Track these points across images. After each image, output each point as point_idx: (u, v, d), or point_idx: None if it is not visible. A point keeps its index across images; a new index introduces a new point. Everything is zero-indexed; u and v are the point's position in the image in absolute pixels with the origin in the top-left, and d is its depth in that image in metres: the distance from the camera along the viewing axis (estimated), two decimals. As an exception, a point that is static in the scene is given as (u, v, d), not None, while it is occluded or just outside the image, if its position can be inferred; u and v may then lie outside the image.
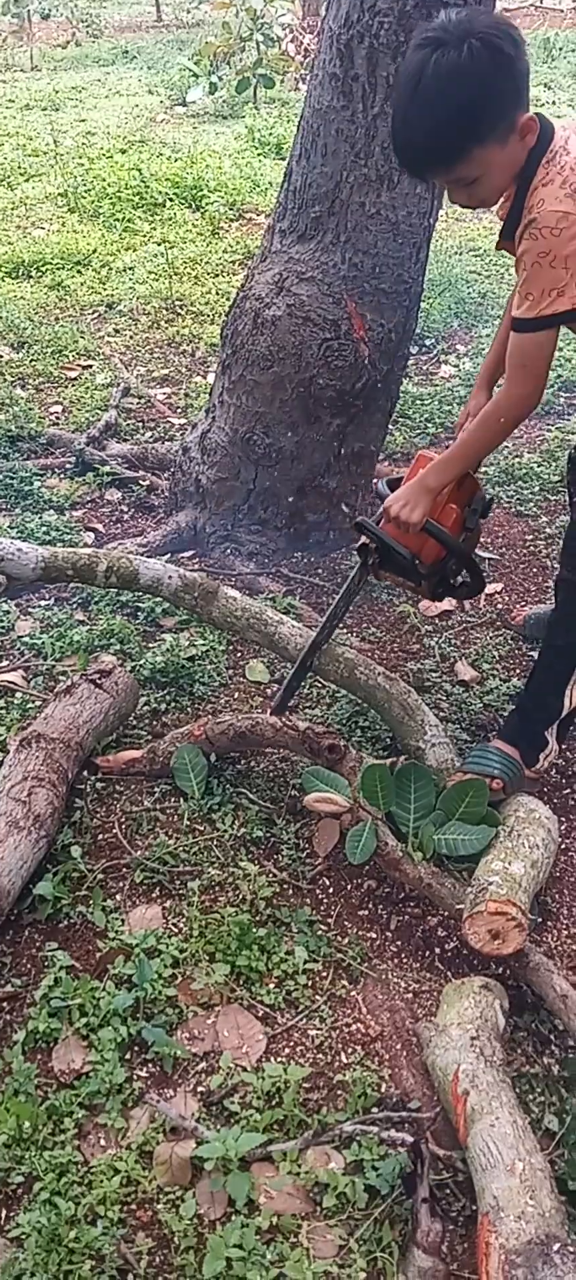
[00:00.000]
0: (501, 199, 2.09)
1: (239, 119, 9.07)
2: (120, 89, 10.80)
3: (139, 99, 10.24)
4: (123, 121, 9.18)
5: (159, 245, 6.08)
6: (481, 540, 3.34)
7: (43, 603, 3.13)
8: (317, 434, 3.30)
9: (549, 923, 2.16)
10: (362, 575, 2.50)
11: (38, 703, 2.64)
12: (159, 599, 2.91)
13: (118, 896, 2.16)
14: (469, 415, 2.49)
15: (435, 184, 2.47)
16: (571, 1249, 1.47)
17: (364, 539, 2.40)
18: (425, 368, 4.73)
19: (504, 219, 2.10)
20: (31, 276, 5.77)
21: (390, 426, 3.64)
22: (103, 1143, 1.74)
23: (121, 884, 2.19)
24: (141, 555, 3.07)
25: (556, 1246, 1.47)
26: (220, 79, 9.76)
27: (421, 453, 2.42)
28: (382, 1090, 1.83)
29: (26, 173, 7.64)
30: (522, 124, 1.95)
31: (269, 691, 2.79)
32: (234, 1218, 1.63)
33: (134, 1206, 1.66)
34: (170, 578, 2.70)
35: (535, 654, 2.58)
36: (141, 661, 2.80)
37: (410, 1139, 1.70)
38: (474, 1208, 1.63)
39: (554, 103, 9.03)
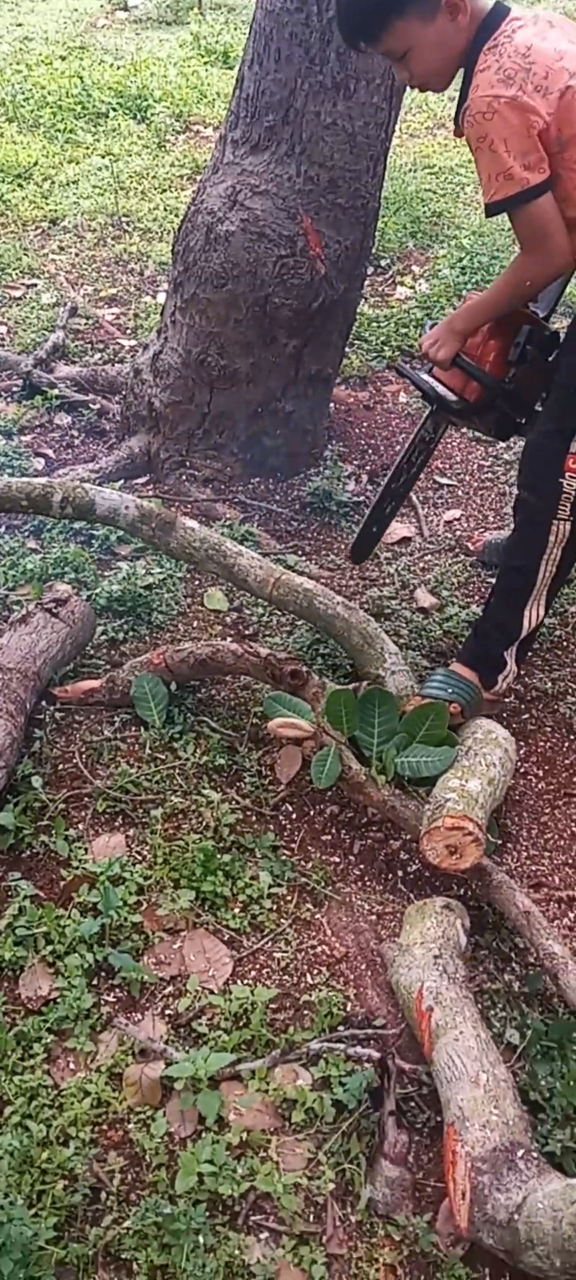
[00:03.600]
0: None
1: (183, 25, 8.74)
2: (58, -9, 10.30)
3: (78, 2, 9.78)
4: (61, 26, 8.78)
5: (103, 158, 5.87)
6: (439, 466, 3.35)
7: (-7, 530, 3.05)
8: (273, 355, 3.24)
9: (508, 845, 2.21)
10: (433, 421, 2.58)
11: (-8, 632, 2.58)
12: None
13: (80, 826, 2.14)
14: None
15: (389, 91, 2.46)
16: (535, 1155, 1.53)
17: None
18: (380, 289, 4.67)
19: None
20: (-30, 189, 5.53)
21: (346, 349, 3.60)
22: (72, 1066, 1.75)
23: (83, 813, 2.17)
24: (94, 482, 3.00)
25: (520, 1153, 1.52)
26: (164, -18, 9.37)
27: (469, 296, 2.47)
28: (348, 1009, 1.86)
29: (-39, 79, 7.28)
30: (447, 1, 2.03)
31: (228, 620, 2.77)
32: (204, 1135, 1.65)
33: (105, 1127, 1.67)
34: (127, 508, 2.64)
35: (494, 580, 2.59)
36: (97, 590, 2.76)
37: (376, 1054, 1.74)
38: (439, 1119, 1.68)
39: None
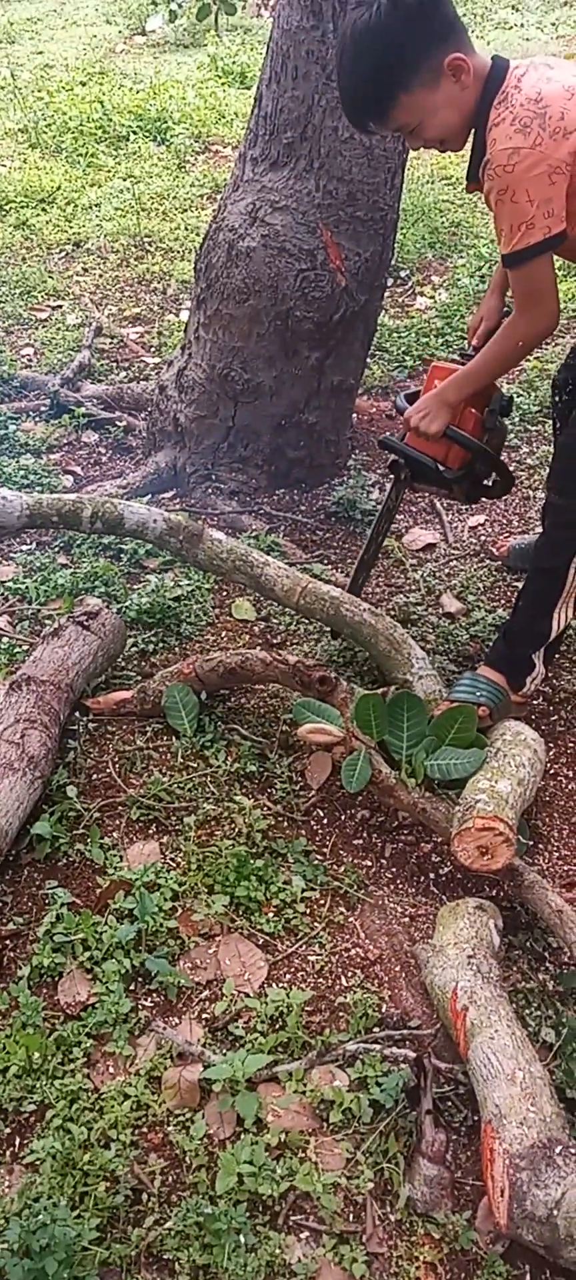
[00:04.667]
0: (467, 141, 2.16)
1: (200, 48, 8.84)
2: (77, 19, 10.46)
3: (97, 29, 9.93)
4: (81, 53, 8.92)
5: (124, 181, 5.95)
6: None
7: (24, 547, 3.10)
8: (296, 368, 3.27)
9: (540, 845, 2.21)
10: (398, 490, 2.60)
11: (25, 647, 2.63)
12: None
13: (115, 834, 2.17)
14: (482, 320, 2.54)
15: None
16: (573, 1151, 1.53)
17: (394, 456, 2.48)
18: (400, 299, 4.70)
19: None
20: (-5, 215, 5.63)
21: (367, 359, 3.62)
22: (111, 1070, 1.77)
23: (118, 821, 2.20)
24: (122, 497, 3.05)
25: (559, 1149, 1.52)
26: (180, 6, 9.48)
27: (436, 364, 2.50)
28: (383, 1010, 1.87)
29: (-16, 108, 7.41)
30: (450, 64, 2.04)
31: (256, 629, 2.80)
32: (243, 1136, 1.67)
33: (145, 1129, 1.69)
34: (155, 521, 2.68)
35: (520, 584, 2.60)
36: (127, 603, 2.79)
37: (412, 1055, 1.75)
38: (476, 1118, 1.68)
39: (521, 25, 8.90)
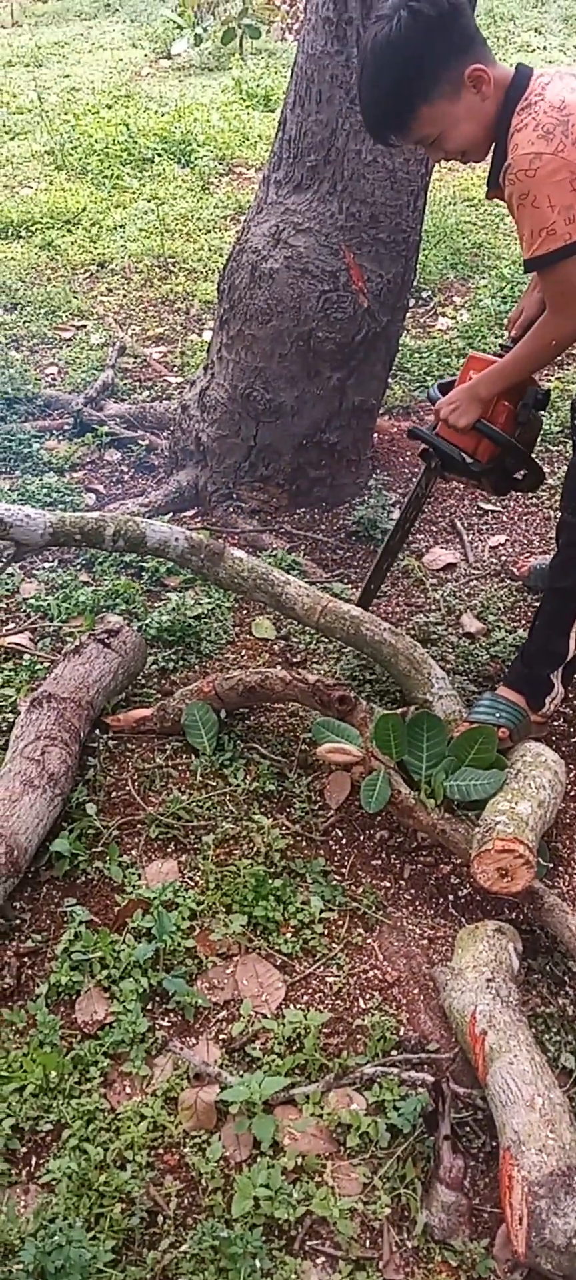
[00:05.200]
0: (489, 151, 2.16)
1: (225, 71, 8.93)
2: (103, 43, 10.60)
3: (123, 53, 10.05)
4: (107, 76, 9.02)
5: (149, 202, 6.01)
6: (483, 493, 3.36)
7: (46, 565, 3.13)
8: (318, 388, 3.28)
9: (560, 868, 2.19)
10: (428, 479, 2.60)
11: (46, 664, 2.64)
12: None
13: (133, 852, 2.17)
14: (522, 311, 2.54)
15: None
16: (592, 1178, 1.51)
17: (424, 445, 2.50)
18: (422, 320, 4.70)
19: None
20: (21, 237, 5.70)
21: (389, 380, 3.63)
22: (128, 1090, 1.77)
23: (136, 839, 2.20)
24: (144, 516, 3.06)
25: (578, 1176, 1.50)
26: (205, 30, 9.58)
27: (473, 355, 2.51)
28: (401, 1033, 1.86)
29: (11, 131, 7.51)
30: (470, 75, 2.05)
31: (276, 648, 2.80)
32: (260, 1159, 1.66)
33: (161, 1151, 1.69)
34: (177, 539, 2.69)
35: (539, 603, 2.59)
36: (147, 621, 2.80)
37: (430, 1079, 1.73)
38: (494, 1144, 1.67)
39: (544, 48, 8.91)
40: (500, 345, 2.62)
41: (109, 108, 7.77)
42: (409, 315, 4.41)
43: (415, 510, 2.72)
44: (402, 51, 2.03)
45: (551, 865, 2.18)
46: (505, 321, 4.01)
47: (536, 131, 2.00)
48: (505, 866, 1.96)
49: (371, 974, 1.97)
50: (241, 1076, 1.76)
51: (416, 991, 1.94)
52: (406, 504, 2.69)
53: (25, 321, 4.73)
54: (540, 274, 2.13)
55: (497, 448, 2.40)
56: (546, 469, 3.51)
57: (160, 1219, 1.60)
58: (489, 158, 2.17)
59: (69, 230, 5.73)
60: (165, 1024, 1.88)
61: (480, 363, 2.43)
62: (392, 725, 2.19)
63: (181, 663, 2.72)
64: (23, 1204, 1.62)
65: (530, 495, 3.44)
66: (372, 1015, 1.88)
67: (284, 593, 2.63)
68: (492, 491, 2.58)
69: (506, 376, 2.34)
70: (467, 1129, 1.73)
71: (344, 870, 2.18)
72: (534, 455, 2.49)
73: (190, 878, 2.12)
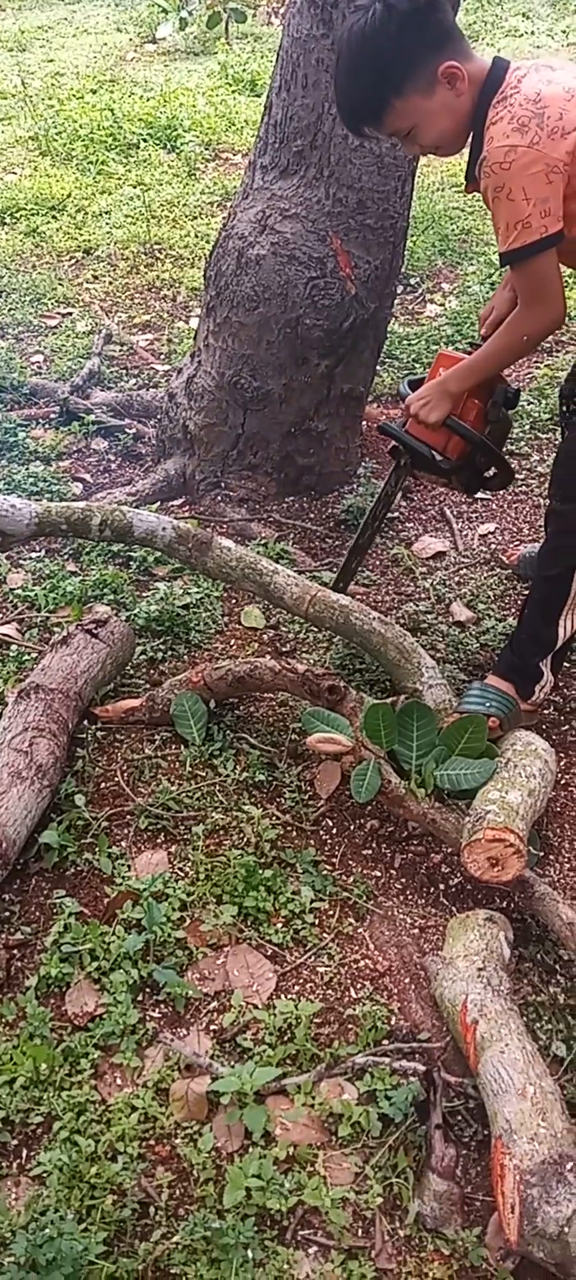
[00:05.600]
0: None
1: (211, 55, 8.87)
2: (88, 27, 10.50)
3: (107, 37, 9.97)
4: (92, 61, 8.95)
5: (135, 188, 5.96)
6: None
7: (33, 555, 3.10)
8: (306, 376, 3.27)
9: (551, 857, 2.20)
10: (397, 477, 2.60)
11: (34, 654, 2.62)
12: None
13: (123, 843, 2.16)
14: (493, 309, 2.53)
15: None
16: (584, 1166, 1.51)
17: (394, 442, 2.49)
18: (411, 307, 4.69)
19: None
20: (5, 223, 5.65)
21: (377, 367, 3.62)
22: (119, 1082, 1.76)
23: (126, 830, 2.19)
24: (131, 505, 3.04)
25: (570, 1165, 1.50)
26: (190, 14, 9.50)
27: (442, 352, 2.50)
28: (392, 1023, 1.86)
29: (-5, 116, 7.44)
30: (443, 72, 2.05)
31: (265, 637, 2.79)
32: (251, 1150, 1.66)
33: (152, 1142, 1.68)
34: (164, 529, 2.68)
35: (528, 591, 2.59)
36: (136, 611, 2.79)
37: (422, 1068, 1.73)
38: (486, 1132, 1.67)
39: (532, 32, 8.89)
40: (469, 344, 2.61)
41: (93, 92, 7.70)
42: (397, 302, 4.39)
43: (384, 508, 2.71)
44: (375, 45, 2.03)
45: (542, 854, 2.18)
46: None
47: (511, 124, 1.99)
48: (496, 855, 1.95)
49: (362, 964, 1.97)
50: (232, 1067, 1.75)
51: (407, 981, 1.94)
52: (375, 502, 2.69)
53: (10, 309, 4.69)
54: (513, 268, 2.12)
55: (468, 445, 2.40)
56: (535, 456, 3.52)
57: (152, 1210, 1.60)
58: (466, 151, 2.16)
59: (54, 217, 5.69)
60: (156, 1015, 1.87)
61: (449, 360, 2.42)
62: (383, 715, 2.18)
63: (170, 653, 2.70)
64: (14, 1196, 1.61)
65: (518, 484, 3.44)
66: (364, 1005, 1.88)
67: (273, 582, 2.61)
68: (462, 490, 2.58)
69: (477, 372, 2.33)
70: (459, 1118, 1.73)
71: (334, 860, 2.17)
72: (503, 453, 2.49)
73: (180, 868, 2.12)
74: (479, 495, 3.16)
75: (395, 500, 2.75)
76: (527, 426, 3.69)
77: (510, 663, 2.44)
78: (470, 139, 2.13)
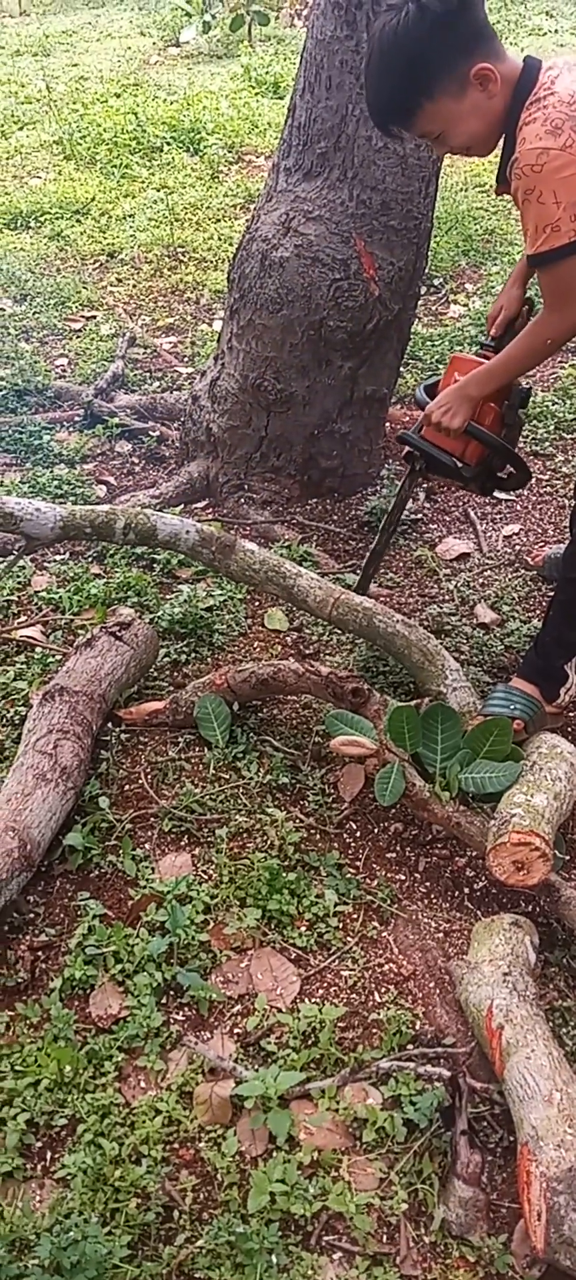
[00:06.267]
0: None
1: (234, 58, 8.88)
2: (112, 31, 10.56)
3: (131, 41, 10.02)
4: (116, 65, 9.00)
5: (158, 191, 5.98)
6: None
7: (58, 557, 3.12)
8: (329, 378, 3.26)
9: (576, 859, 2.18)
10: (412, 481, 2.61)
11: (58, 657, 2.64)
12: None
13: (147, 845, 2.17)
14: (501, 309, 2.52)
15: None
16: (612, 1175, 1.49)
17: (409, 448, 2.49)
18: (434, 308, 4.67)
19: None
20: (30, 227, 5.69)
21: (400, 369, 3.60)
22: (143, 1084, 1.76)
23: (150, 833, 2.20)
24: (155, 507, 3.05)
25: (597, 1173, 1.49)
26: (214, 17, 9.54)
27: (456, 356, 2.50)
28: (417, 1028, 1.85)
29: (20, 121, 7.49)
30: (476, 74, 2.02)
31: (288, 640, 2.79)
32: (275, 1154, 1.65)
33: (176, 1145, 1.68)
34: (188, 532, 2.68)
35: (553, 593, 2.56)
36: (159, 613, 2.79)
37: (447, 1073, 1.72)
38: (512, 1139, 1.65)
39: (556, 30, 8.84)
40: (480, 345, 2.59)
41: (117, 96, 7.74)
42: (420, 303, 4.38)
43: (399, 513, 2.71)
44: (407, 47, 2.00)
45: (567, 858, 2.17)
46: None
47: (545, 126, 1.97)
48: (521, 859, 1.94)
49: (387, 968, 1.96)
50: (256, 1071, 1.75)
51: (432, 985, 1.93)
52: (391, 508, 2.68)
53: (35, 312, 4.72)
54: (540, 271, 2.10)
55: (486, 449, 2.39)
56: (560, 457, 3.50)
57: (176, 1214, 1.60)
58: (498, 150, 2.15)
59: (78, 220, 5.72)
60: (180, 1018, 1.87)
61: (464, 364, 2.41)
62: (407, 717, 2.17)
63: (193, 655, 2.71)
64: (38, 1199, 1.61)
65: (543, 484, 3.42)
66: (388, 1009, 1.87)
67: (296, 585, 2.61)
68: (479, 492, 2.59)
69: (498, 376, 2.32)
70: (485, 1124, 1.72)
71: (358, 863, 2.16)
72: (518, 453, 2.48)
73: (204, 871, 2.12)
74: (497, 495, 3.14)
75: (407, 504, 2.74)
76: (552, 427, 3.66)
77: (535, 665, 2.42)
78: (502, 140, 2.11)
